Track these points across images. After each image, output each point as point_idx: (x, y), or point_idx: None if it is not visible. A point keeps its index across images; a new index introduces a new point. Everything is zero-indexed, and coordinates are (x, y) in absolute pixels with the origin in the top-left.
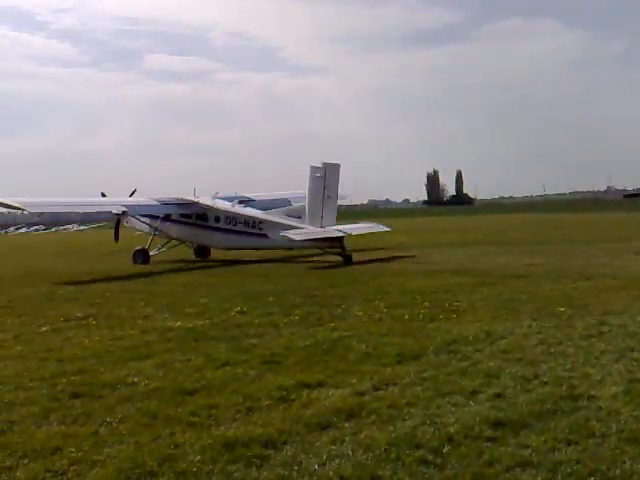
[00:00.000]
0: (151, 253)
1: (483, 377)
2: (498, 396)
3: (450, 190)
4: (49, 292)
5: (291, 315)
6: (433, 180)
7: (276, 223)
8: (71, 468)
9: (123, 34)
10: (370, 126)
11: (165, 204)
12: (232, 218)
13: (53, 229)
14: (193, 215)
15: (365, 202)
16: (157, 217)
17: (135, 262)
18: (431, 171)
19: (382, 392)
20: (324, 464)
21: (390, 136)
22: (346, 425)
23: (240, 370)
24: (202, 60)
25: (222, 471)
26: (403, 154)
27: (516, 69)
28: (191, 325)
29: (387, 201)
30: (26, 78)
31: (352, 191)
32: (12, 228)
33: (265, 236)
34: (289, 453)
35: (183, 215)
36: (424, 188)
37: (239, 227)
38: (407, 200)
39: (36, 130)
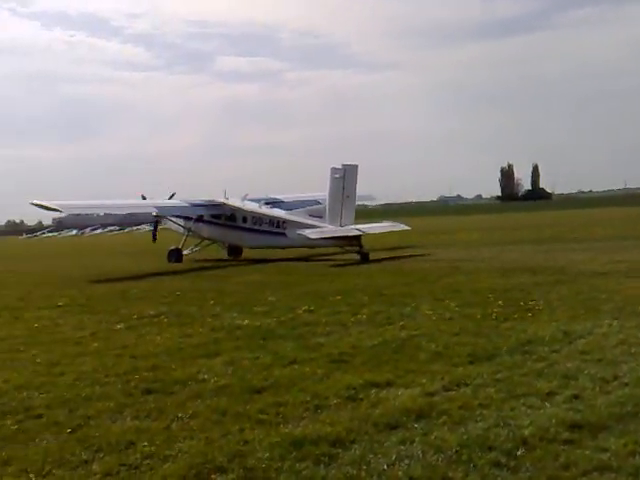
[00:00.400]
0: (184, 252)
1: (560, 378)
2: (575, 398)
3: (525, 184)
4: (123, 291)
5: (359, 314)
6: (507, 174)
7: (296, 222)
8: (144, 462)
9: (194, 37)
10: (440, 121)
11: (195, 205)
12: (258, 218)
13: (126, 229)
14: (222, 216)
15: (435, 199)
16: (190, 218)
17: (169, 261)
18: (505, 165)
19: (453, 393)
20: (393, 464)
21: (461, 130)
22: (416, 425)
23: (308, 369)
24: (271, 60)
25: (290, 469)
26: (476, 148)
27: (602, 58)
28: (259, 323)
29: (458, 197)
30: (103, 82)
31: (419, 188)
32: (88, 229)
33: (284, 235)
34: (357, 452)
35: (213, 216)
36: (498, 183)
37: (264, 227)
38: (479, 196)
39: (111, 133)
